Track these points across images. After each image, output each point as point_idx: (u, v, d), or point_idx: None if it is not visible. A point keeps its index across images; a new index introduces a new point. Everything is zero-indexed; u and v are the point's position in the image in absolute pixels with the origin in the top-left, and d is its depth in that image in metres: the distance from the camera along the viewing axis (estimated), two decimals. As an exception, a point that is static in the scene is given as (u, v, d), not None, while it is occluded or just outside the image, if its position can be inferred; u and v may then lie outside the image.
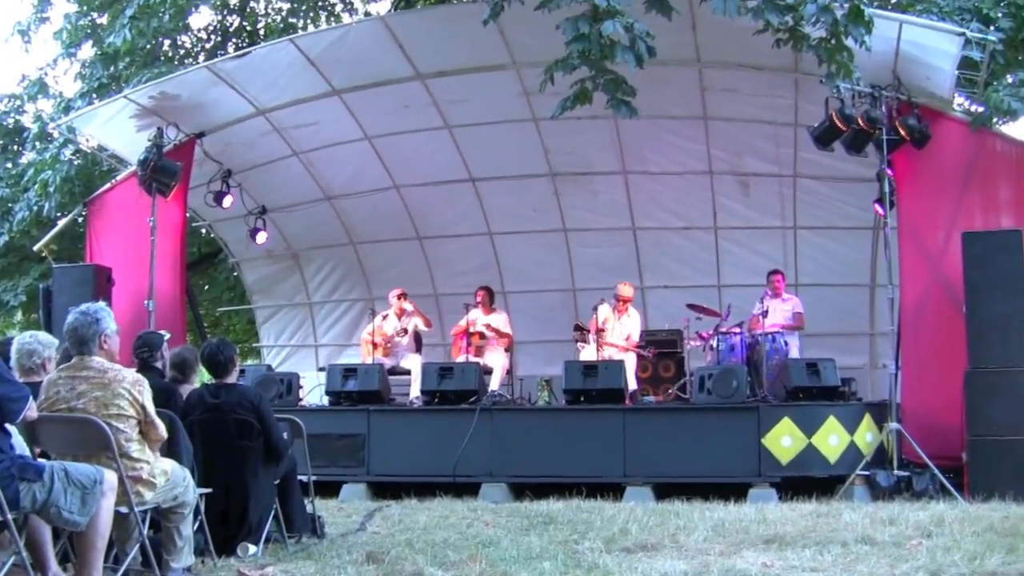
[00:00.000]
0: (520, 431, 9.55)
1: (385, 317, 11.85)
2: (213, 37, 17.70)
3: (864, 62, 8.02)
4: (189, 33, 17.39)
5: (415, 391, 10.82)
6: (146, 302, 10.47)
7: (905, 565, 5.29)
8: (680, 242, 13.50)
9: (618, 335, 11.16)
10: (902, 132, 9.24)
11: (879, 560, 5.50)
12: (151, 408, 4.92)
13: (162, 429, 4.99)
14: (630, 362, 10.87)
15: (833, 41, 7.50)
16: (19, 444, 4.64)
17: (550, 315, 13.85)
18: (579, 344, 11.48)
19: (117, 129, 11.22)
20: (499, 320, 11.78)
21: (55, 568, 4.72)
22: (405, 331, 11.62)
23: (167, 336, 6.63)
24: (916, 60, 9.13)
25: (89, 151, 12.87)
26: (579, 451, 9.27)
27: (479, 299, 11.75)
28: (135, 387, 4.85)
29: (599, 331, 10.92)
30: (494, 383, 10.97)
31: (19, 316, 17.87)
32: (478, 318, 11.63)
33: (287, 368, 14.48)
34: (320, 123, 12.15)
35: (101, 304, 5.10)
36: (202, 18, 23.82)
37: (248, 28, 17.72)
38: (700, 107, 11.58)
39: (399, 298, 11.79)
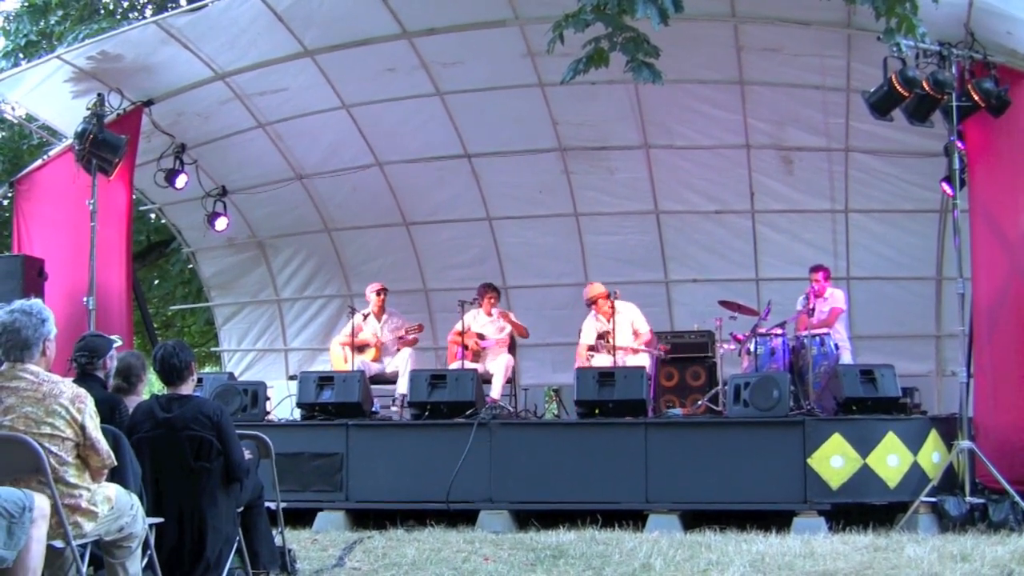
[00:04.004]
0: (524, 449, 9.52)
1: (366, 317, 11.85)
2: (162, -13, 17.70)
3: (931, 15, 7.93)
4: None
5: (402, 388, 10.83)
6: (85, 299, 10.44)
7: (981, 608, 5.27)
8: (711, 228, 13.51)
9: (623, 340, 11.20)
10: (976, 97, 9.16)
11: (950, 602, 5.48)
12: (94, 430, 4.84)
13: (107, 455, 4.90)
14: (643, 357, 10.94)
15: (893, -10, 7.43)
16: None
17: (559, 314, 13.82)
18: (588, 355, 11.47)
19: (49, 95, 11.17)
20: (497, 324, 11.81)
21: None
22: (406, 340, 11.73)
23: (117, 343, 6.57)
24: (994, 11, 9.06)
25: (16, 121, 12.83)
26: (593, 473, 9.25)
27: (491, 299, 11.77)
28: (74, 404, 4.78)
29: (605, 335, 10.94)
30: (494, 391, 10.95)
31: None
32: (475, 321, 11.65)
33: (252, 376, 14.50)
34: (290, 89, 12.11)
35: (38, 301, 5.04)
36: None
37: (204, -23, 17.70)
38: (736, 70, 11.53)
39: (379, 294, 11.95)
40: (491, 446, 9.46)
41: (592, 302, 11.35)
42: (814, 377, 10.41)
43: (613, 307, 11.21)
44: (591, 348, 11.35)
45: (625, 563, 6.90)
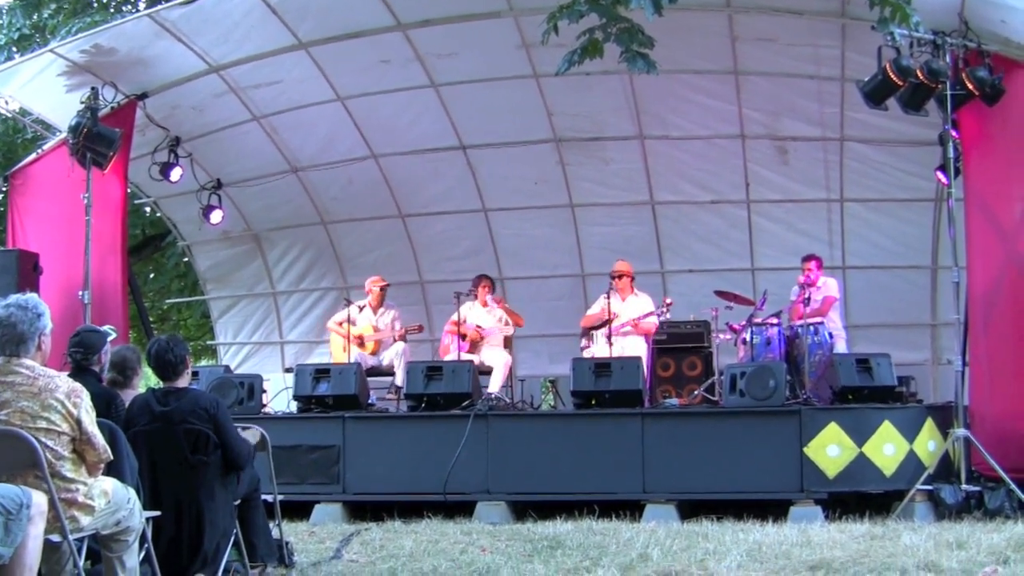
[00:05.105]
0: (521, 440, 9.53)
1: (361, 309, 11.83)
2: (156, -20, 17.64)
3: (924, 4, 7.93)
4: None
5: (400, 379, 10.83)
6: (80, 293, 10.42)
7: (977, 596, 5.28)
8: (707, 218, 13.51)
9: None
10: (970, 86, 9.16)
11: (946, 590, 5.49)
12: (89, 424, 4.83)
13: (103, 449, 4.90)
14: (639, 348, 10.95)
15: (887, -21, 7.42)
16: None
17: (555, 305, 13.85)
18: (584, 346, 11.48)
19: (43, 89, 11.14)
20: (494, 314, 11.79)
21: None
22: (403, 338, 11.66)
23: (112, 335, 6.55)
24: (988, 0, 9.05)
25: (9, 115, 12.81)
26: (590, 463, 9.26)
27: (485, 288, 11.75)
28: (70, 398, 4.77)
29: (607, 322, 10.94)
30: (494, 384, 10.94)
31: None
32: (471, 312, 11.64)
33: (248, 369, 14.50)
34: (284, 82, 12.09)
35: (34, 296, 5.03)
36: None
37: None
38: (730, 60, 11.52)
39: (382, 289, 11.94)
40: (488, 437, 9.46)
41: (618, 275, 11.40)
42: (810, 366, 10.42)
43: (632, 288, 11.42)
44: (585, 333, 11.37)
45: (622, 553, 6.90)
